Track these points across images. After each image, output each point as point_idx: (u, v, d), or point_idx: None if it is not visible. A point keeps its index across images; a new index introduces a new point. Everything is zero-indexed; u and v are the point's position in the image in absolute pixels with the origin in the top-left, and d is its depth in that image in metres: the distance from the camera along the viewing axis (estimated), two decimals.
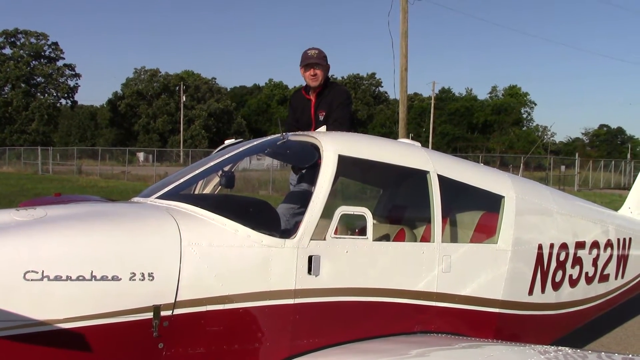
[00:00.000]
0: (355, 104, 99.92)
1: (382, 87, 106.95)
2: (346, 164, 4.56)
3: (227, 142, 5.59)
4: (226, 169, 4.99)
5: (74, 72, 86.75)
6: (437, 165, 4.96)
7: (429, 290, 4.73)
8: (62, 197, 5.09)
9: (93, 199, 5.37)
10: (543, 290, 5.70)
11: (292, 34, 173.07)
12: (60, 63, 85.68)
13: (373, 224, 4.46)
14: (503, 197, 5.32)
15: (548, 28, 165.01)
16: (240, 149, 4.92)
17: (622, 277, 6.96)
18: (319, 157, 4.45)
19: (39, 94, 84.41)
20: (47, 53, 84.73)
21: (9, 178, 38.09)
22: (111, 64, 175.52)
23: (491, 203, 5.34)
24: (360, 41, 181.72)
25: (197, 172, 4.72)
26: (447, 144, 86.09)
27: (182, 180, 4.57)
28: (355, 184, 6.18)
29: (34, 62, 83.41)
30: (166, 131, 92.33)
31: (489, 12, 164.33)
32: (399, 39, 24.54)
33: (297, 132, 5.01)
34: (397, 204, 5.98)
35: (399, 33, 24.57)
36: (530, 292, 5.57)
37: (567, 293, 6.03)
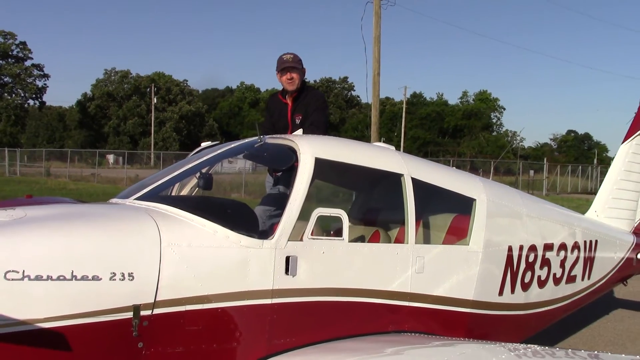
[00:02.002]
0: (328, 108, 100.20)
1: (354, 91, 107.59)
2: (323, 167, 4.64)
3: (203, 144, 5.64)
4: (204, 171, 5.04)
5: (42, 73, 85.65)
6: (410, 168, 5.08)
7: (402, 291, 4.84)
8: (33, 200, 5.05)
9: (65, 201, 5.36)
10: (513, 290, 5.86)
11: (265, 38, 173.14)
12: (28, 63, 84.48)
13: (349, 225, 4.55)
14: (474, 200, 5.46)
15: (518, 35, 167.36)
16: (218, 152, 4.97)
17: (589, 278, 7.16)
18: (296, 160, 4.53)
19: (6, 94, 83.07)
20: (14, 52, 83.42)
21: None
22: (81, 65, 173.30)
23: (463, 206, 5.48)
24: (333, 45, 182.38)
25: (175, 173, 4.76)
26: (418, 148, 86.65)
27: (160, 181, 4.61)
28: (332, 186, 6.27)
29: (0, 61, 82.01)
30: (137, 133, 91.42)
31: (460, 18, 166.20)
32: (372, 43, 24.75)
33: (274, 135, 5.08)
34: (372, 206, 6.09)
35: (372, 38, 24.78)
36: (501, 292, 5.72)
37: (535, 294, 6.19)
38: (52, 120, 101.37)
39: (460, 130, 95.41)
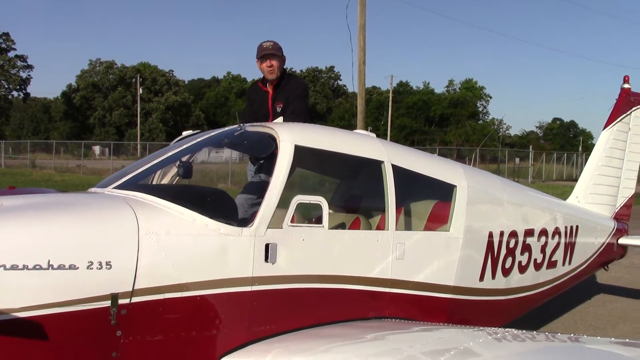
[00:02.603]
0: (314, 97, 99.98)
1: (340, 80, 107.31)
2: (303, 154, 4.65)
3: (184, 133, 5.62)
4: (184, 159, 5.03)
5: (26, 64, 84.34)
6: (391, 155, 5.10)
7: (383, 277, 4.87)
8: (16, 190, 5.04)
9: (48, 192, 5.34)
10: (494, 276, 5.91)
11: (251, 26, 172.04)
12: (11, 54, 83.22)
13: (330, 213, 4.57)
14: (455, 186, 5.49)
15: (503, 23, 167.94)
16: (198, 140, 4.96)
17: (569, 263, 7.23)
18: (276, 148, 4.53)
19: None
20: None
21: None
22: (65, 56, 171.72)
23: (444, 192, 5.51)
24: (319, 34, 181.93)
25: (154, 162, 4.75)
26: (405, 137, 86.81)
27: (139, 170, 4.60)
28: (312, 174, 6.28)
29: None
30: (123, 124, 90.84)
31: (446, 7, 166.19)
32: (357, 32, 24.68)
33: (254, 123, 5.07)
34: (353, 193, 6.10)
35: (357, 26, 24.70)
36: (481, 278, 5.77)
37: (516, 279, 6.25)
38: (37, 112, 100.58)
39: (446, 119, 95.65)
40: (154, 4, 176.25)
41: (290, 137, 4.56)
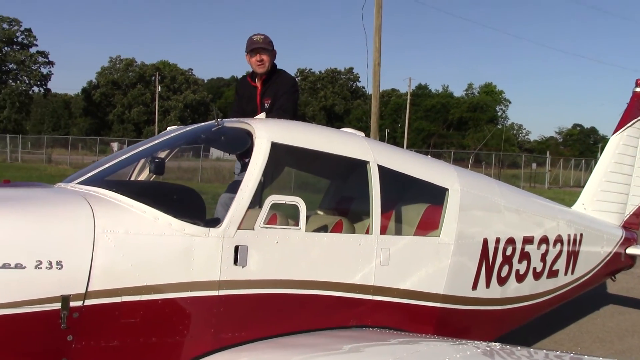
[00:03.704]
0: (332, 99, 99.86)
1: (359, 82, 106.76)
2: (280, 152, 4.41)
3: (169, 128, 5.42)
4: (162, 155, 4.82)
5: (47, 60, 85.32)
6: (377, 155, 4.83)
7: (365, 284, 4.61)
8: (10, 184, 4.91)
9: (40, 185, 5.16)
10: (488, 285, 5.62)
11: (271, 27, 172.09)
12: (33, 50, 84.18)
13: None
14: (447, 189, 5.22)
15: (525, 27, 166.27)
16: (173, 134, 4.74)
17: (572, 273, 6.92)
18: (252, 144, 4.29)
19: (10, 81, 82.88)
20: (19, 39, 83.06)
21: None
22: (86, 52, 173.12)
23: (434, 196, 5.24)
24: (339, 35, 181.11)
25: (124, 157, 4.54)
26: (422, 140, 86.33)
27: (107, 165, 4.39)
28: (291, 172, 6.03)
29: (6, 48, 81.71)
30: (141, 121, 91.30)
31: (465, 9, 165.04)
32: (373, 33, 24.44)
33: (232, 119, 4.84)
34: (337, 194, 5.86)
35: (373, 27, 24.46)
36: (475, 286, 5.48)
37: (513, 288, 5.96)
38: (58, 108, 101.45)
39: (465, 123, 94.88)
40: (174, 3, 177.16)
41: (267, 133, 4.32)
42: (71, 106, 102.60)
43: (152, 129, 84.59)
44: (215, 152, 31.11)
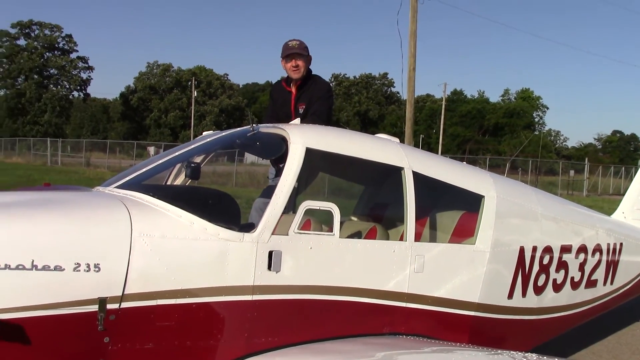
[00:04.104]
0: (367, 104, 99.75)
1: (394, 87, 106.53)
2: (315, 158, 4.41)
3: (205, 133, 5.47)
4: (197, 160, 4.86)
5: (86, 65, 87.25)
6: (412, 161, 4.80)
7: (399, 291, 4.57)
8: (51, 187, 4.99)
9: (79, 189, 5.26)
10: (524, 294, 5.52)
11: (305, 32, 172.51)
12: (73, 55, 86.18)
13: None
14: (483, 196, 5.15)
15: (561, 31, 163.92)
16: (208, 140, 4.78)
17: (612, 283, 6.76)
18: (287, 149, 4.30)
19: (51, 86, 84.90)
20: (60, 45, 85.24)
21: (17, 169, 38.28)
22: (124, 58, 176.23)
23: (470, 202, 5.17)
24: (373, 40, 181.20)
25: (161, 161, 4.59)
26: (457, 146, 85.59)
27: (144, 170, 4.45)
28: (326, 178, 6.03)
29: (47, 53, 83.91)
30: (177, 126, 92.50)
31: (501, 14, 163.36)
32: (408, 38, 24.36)
33: (267, 124, 4.86)
34: (371, 200, 5.82)
35: (408, 32, 24.39)
36: (510, 295, 5.39)
37: (550, 298, 5.84)
38: (97, 112, 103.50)
39: (501, 129, 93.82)
40: (210, 10, 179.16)
41: (301, 139, 4.32)
42: (109, 110, 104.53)
43: (187, 133, 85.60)
44: (249, 157, 31.34)
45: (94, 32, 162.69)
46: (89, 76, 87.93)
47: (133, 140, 65.00)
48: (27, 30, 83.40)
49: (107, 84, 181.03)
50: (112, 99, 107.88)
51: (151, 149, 68.40)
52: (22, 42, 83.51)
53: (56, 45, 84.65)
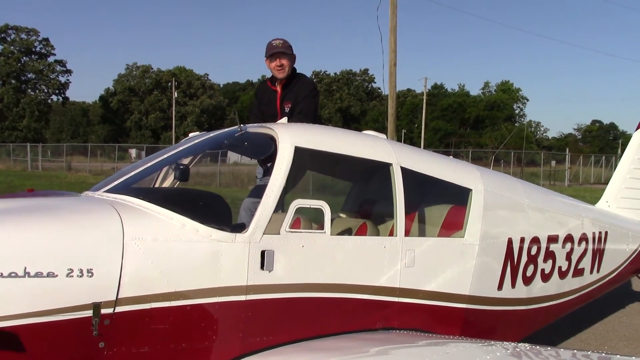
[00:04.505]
0: (348, 100, 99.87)
1: (375, 83, 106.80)
2: (304, 156, 4.43)
3: (191, 134, 5.46)
4: (185, 161, 4.85)
5: (65, 68, 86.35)
6: (400, 157, 4.83)
7: (391, 286, 4.60)
8: (34, 193, 4.94)
9: (66, 194, 5.22)
10: (513, 285, 5.58)
11: (285, 30, 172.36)
12: (51, 59, 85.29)
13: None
14: (470, 190, 5.19)
15: (540, 24, 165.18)
16: (197, 141, 4.77)
17: (598, 271, 6.85)
18: (275, 149, 4.31)
19: (29, 90, 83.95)
20: (37, 49, 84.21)
21: None
22: (103, 60, 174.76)
23: (458, 196, 5.22)
24: (353, 37, 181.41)
25: (149, 164, 4.57)
26: (439, 140, 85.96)
27: (132, 173, 4.43)
28: (314, 176, 6.05)
29: (24, 58, 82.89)
30: (158, 127, 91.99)
31: (480, 8, 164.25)
32: (388, 34, 24.37)
33: (254, 124, 4.86)
34: (360, 197, 5.85)
35: (388, 28, 24.40)
36: (500, 287, 5.45)
37: (539, 288, 5.91)
38: (76, 116, 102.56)
39: (482, 122, 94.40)
40: (188, 10, 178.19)
41: (290, 138, 4.34)
42: (89, 114, 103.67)
43: (169, 134, 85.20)
44: (232, 157, 31.20)
45: (72, 35, 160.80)
46: (68, 80, 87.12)
47: (114, 143, 64.58)
48: (2, 35, 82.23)
49: (86, 87, 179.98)
50: (91, 102, 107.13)
51: (133, 152, 68.01)
52: None
53: (33, 49, 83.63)
